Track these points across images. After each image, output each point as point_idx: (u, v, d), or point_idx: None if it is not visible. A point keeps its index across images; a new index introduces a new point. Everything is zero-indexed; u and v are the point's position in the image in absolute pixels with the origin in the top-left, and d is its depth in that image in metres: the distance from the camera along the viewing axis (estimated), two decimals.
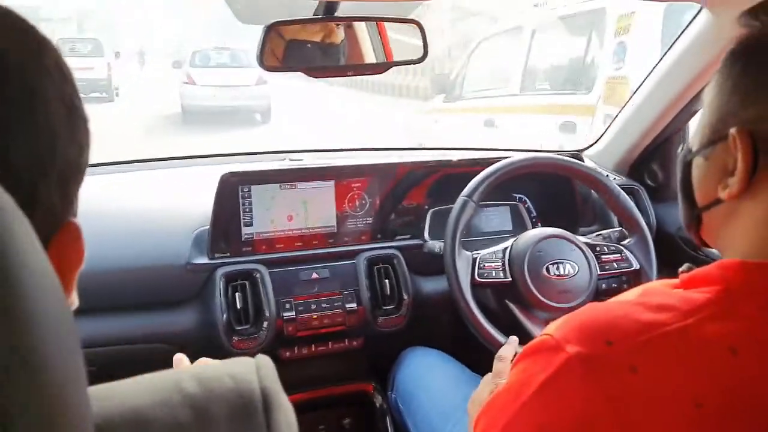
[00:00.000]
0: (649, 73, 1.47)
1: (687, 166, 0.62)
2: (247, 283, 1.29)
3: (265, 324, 1.27)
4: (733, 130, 0.53)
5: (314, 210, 1.38)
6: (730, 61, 0.56)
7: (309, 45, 1.13)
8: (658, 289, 0.62)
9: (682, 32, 1.34)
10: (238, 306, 1.26)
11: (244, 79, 10.67)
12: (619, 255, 1.31)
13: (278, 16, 1.08)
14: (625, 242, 1.33)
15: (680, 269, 0.61)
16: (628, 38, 3.44)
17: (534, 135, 3.95)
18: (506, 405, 0.57)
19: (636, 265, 1.30)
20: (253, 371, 0.39)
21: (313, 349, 1.34)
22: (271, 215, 1.35)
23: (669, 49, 1.40)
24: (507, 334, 1.17)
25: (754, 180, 0.53)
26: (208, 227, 1.31)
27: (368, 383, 1.46)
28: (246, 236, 1.33)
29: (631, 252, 1.31)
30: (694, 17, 1.30)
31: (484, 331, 1.19)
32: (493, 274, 1.25)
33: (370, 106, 11.43)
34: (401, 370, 1.35)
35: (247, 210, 1.33)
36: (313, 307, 1.31)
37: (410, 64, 1.21)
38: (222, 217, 1.31)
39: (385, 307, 1.36)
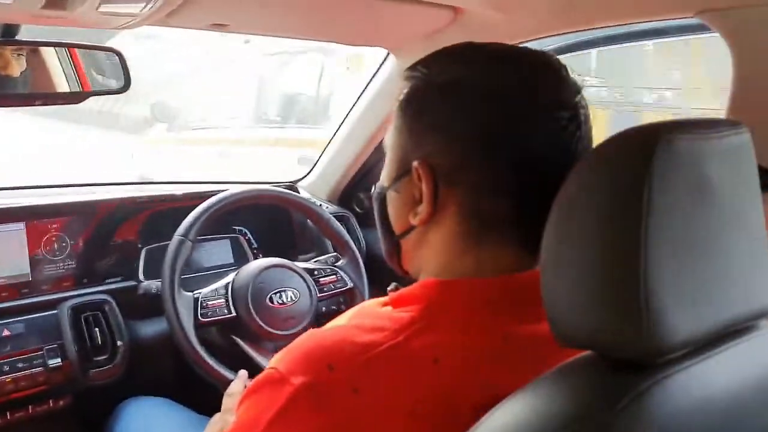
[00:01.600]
0: (350, 110, 1.62)
1: (382, 201, 0.69)
2: None
3: None
4: (415, 163, 0.61)
5: (0, 258, 1.19)
6: (403, 108, 0.64)
7: None
8: (369, 309, 0.67)
9: (374, 74, 1.51)
10: None
11: None
12: (334, 276, 1.41)
13: None
14: (338, 264, 1.44)
15: (389, 288, 0.67)
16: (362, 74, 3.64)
17: (273, 167, 3.96)
18: None
19: (350, 284, 1.41)
20: None
21: (8, 417, 1.17)
22: None
23: (365, 88, 1.56)
24: (237, 370, 1.16)
25: (437, 209, 0.61)
26: None
27: None
28: None
29: (345, 272, 1.42)
30: (384, 61, 1.47)
31: (212, 370, 1.17)
32: (217, 311, 1.23)
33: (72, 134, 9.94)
34: (119, 424, 1.23)
35: None
36: (6, 368, 1.14)
37: (112, 93, 1.13)
38: None
39: (96, 359, 1.24)
